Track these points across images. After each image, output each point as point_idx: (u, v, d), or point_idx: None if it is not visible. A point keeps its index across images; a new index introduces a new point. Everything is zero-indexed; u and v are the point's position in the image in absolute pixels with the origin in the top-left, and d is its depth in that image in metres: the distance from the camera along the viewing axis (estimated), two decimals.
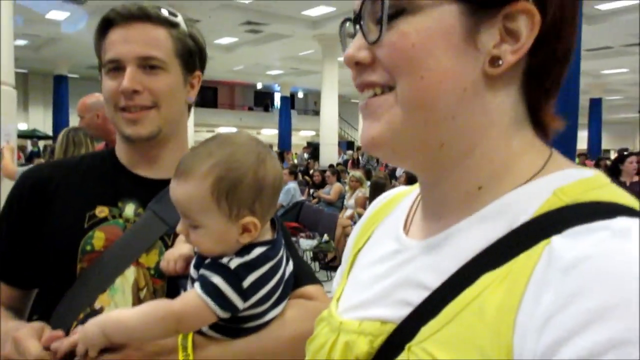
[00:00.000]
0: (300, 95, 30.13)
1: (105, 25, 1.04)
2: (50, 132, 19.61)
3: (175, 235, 0.99)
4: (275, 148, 21.44)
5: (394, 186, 8.16)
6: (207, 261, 0.84)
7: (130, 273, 0.98)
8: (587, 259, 0.40)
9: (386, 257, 0.60)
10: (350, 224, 7.21)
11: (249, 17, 12.82)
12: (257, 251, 0.84)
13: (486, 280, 0.46)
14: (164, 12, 1.04)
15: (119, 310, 0.85)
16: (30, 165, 3.14)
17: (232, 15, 12.37)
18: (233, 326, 0.86)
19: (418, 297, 0.51)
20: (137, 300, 0.96)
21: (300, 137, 27.27)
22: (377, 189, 6.53)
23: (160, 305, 0.82)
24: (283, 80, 22.80)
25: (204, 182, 0.81)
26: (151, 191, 1.04)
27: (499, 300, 0.44)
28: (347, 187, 8.32)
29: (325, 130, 14.97)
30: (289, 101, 23.84)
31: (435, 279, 0.50)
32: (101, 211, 1.01)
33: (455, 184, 0.54)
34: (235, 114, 26.54)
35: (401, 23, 0.51)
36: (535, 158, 0.53)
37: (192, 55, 1.07)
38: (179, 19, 1.06)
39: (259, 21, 13.18)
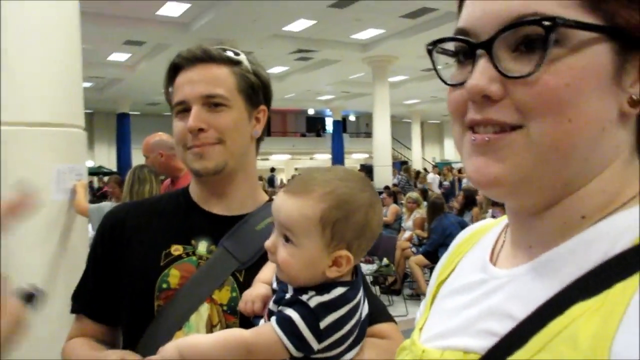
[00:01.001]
0: (352, 118, 30.26)
1: (174, 70, 1.09)
2: (114, 168, 20.54)
3: (247, 272, 1.01)
4: None
5: (450, 207, 7.99)
6: (287, 296, 0.84)
7: (204, 310, 1.00)
8: None
9: (471, 287, 0.59)
10: (409, 246, 7.11)
11: (299, 45, 13.08)
12: (338, 291, 0.83)
13: (578, 309, 0.44)
14: (227, 52, 1.08)
15: (196, 335, 0.88)
16: (106, 203, 3.31)
17: (282, 44, 12.66)
18: None
19: (504, 327, 0.49)
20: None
21: (353, 160, 27.28)
22: (435, 209, 6.43)
23: (234, 334, 0.84)
24: (334, 104, 23.00)
25: (318, 204, 0.82)
26: (222, 228, 1.06)
27: (593, 330, 0.42)
28: (404, 209, 8.23)
29: (379, 151, 14.92)
30: (341, 125, 24.00)
31: (522, 309, 0.49)
32: (176, 249, 1.04)
33: (560, 215, 0.52)
34: (287, 141, 26.93)
35: (555, 59, 0.47)
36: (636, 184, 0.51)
37: (256, 90, 1.10)
38: (242, 57, 1.09)
39: (309, 48, 13.43)
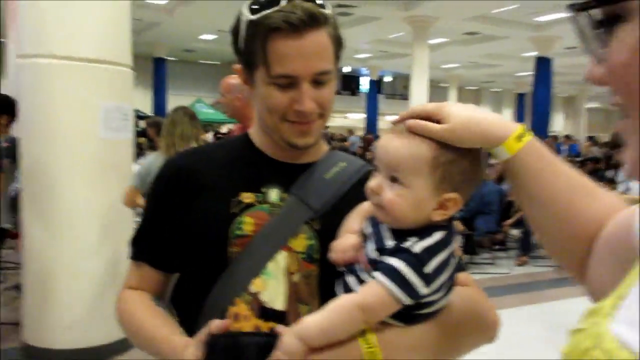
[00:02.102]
0: (388, 79, 29.77)
1: (267, 31, 0.94)
2: (150, 113, 20.75)
3: (321, 220, 1.00)
4: (361, 132, 21.40)
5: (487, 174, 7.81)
6: (388, 244, 0.84)
7: (282, 258, 0.98)
8: None
9: None
10: None
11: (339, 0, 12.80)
12: (438, 235, 0.82)
13: None
14: (325, 9, 0.97)
15: (307, 317, 0.83)
16: (153, 158, 3.32)
17: None
18: (412, 312, 0.85)
19: None
20: (290, 285, 0.97)
21: (387, 121, 27.01)
22: None
23: (344, 301, 0.82)
24: (371, 63, 22.61)
25: (430, 145, 0.80)
26: (291, 175, 1.04)
27: None
28: None
29: None
30: (377, 85, 23.64)
31: None
32: (247, 197, 1.02)
33: None
34: None
35: (619, 34, 0.44)
36: None
37: (339, 52, 1.02)
38: (329, 10, 0.99)
39: (349, 4, 13.11)
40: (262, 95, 1.00)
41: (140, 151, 8.10)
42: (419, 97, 14.59)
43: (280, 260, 0.99)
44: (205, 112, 18.54)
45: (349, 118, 26.42)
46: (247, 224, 1.00)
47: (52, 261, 3.34)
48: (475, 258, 6.81)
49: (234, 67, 1.07)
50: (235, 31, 1.01)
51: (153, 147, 11.17)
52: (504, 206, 6.72)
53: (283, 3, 0.93)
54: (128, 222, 3.52)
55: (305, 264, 0.99)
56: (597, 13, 0.45)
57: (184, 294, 1.07)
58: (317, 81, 0.97)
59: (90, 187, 3.34)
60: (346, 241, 0.90)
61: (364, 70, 24.98)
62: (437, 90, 24.49)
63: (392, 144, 0.82)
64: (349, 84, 29.18)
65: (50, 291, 3.34)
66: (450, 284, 0.87)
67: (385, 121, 23.80)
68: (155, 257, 1.09)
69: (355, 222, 0.92)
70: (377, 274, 0.81)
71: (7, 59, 8.16)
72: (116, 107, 3.39)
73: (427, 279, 0.80)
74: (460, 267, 0.95)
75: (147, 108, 21.50)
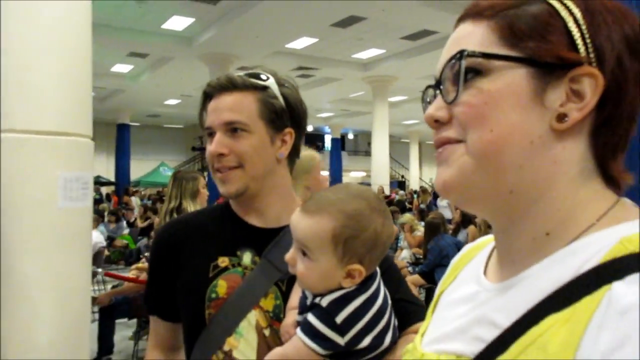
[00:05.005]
0: (351, 136, 30.39)
1: (205, 98, 1.18)
2: (112, 178, 20.52)
3: (289, 281, 1.08)
4: None
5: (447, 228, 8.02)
6: (307, 303, 0.92)
7: (252, 316, 1.08)
8: None
9: (467, 298, 0.66)
10: (406, 266, 7.13)
11: (300, 63, 13.23)
12: (347, 288, 0.90)
13: (551, 320, 0.50)
14: (252, 79, 1.14)
15: None
16: None
17: (284, 61, 12.80)
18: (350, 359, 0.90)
19: (490, 334, 0.56)
20: (262, 338, 1.07)
21: (351, 177, 27.34)
22: (432, 229, 6.47)
23: (274, 353, 0.94)
24: (333, 122, 23.15)
25: (328, 224, 0.89)
26: (264, 240, 1.14)
27: (561, 338, 0.48)
28: (401, 230, 8.25)
29: (377, 170, 15.01)
30: (340, 142, 24.09)
31: (506, 319, 0.55)
32: (222, 261, 1.13)
33: (524, 231, 0.59)
34: None
35: (476, 83, 0.57)
36: (601, 206, 0.56)
37: (279, 114, 1.15)
38: (269, 82, 1.15)
39: (310, 66, 13.58)
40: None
41: (100, 218, 8.01)
42: (381, 152, 14.94)
43: (251, 319, 1.08)
44: (168, 175, 18.47)
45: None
46: (221, 287, 1.11)
47: (6, 332, 3.22)
48: None
49: None
50: None
51: (114, 213, 10.97)
52: None
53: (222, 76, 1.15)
54: (84, 291, 3.46)
55: (273, 322, 1.08)
56: (462, 64, 0.57)
57: (187, 343, 1.19)
58: (232, 131, 1.12)
59: (47, 257, 3.29)
60: (288, 320, 1.00)
61: (327, 129, 25.50)
62: (398, 145, 25.13)
63: (300, 223, 0.91)
64: (313, 142, 29.61)
65: None
66: (387, 325, 0.93)
67: (349, 177, 24.08)
68: (161, 310, 1.25)
69: (295, 297, 1.02)
70: (297, 329, 0.90)
71: None
72: (75, 176, 3.40)
73: (340, 329, 0.87)
74: (420, 317, 1.01)
75: (110, 173, 21.28)
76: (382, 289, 0.96)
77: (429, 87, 0.66)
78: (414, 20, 10.16)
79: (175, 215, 3.46)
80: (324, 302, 0.88)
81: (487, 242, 0.75)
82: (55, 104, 3.28)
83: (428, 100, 0.66)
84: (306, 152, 3.31)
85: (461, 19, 0.62)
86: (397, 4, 9.03)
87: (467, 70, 0.58)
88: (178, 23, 10.57)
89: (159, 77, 14.54)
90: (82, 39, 3.39)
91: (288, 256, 0.94)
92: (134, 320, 5.19)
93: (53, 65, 3.24)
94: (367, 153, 24.21)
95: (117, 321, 5.23)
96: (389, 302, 0.97)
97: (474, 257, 0.73)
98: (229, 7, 9.65)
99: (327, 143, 27.45)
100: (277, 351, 0.93)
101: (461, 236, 7.13)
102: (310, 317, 0.88)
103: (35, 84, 3.22)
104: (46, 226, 3.27)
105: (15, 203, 3.22)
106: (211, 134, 1.14)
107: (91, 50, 3.49)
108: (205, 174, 3.99)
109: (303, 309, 0.93)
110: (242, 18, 9.76)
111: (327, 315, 0.87)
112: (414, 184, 24.44)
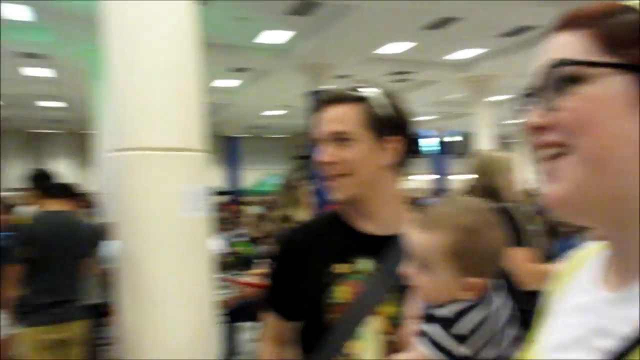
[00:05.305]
0: (454, 138, 29.60)
1: (313, 110, 1.30)
2: (225, 189, 21.58)
3: (405, 289, 1.09)
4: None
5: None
6: (428, 313, 0.95)
7: (373, 322, 1.15)
8: None
9: (583, 307, 0.65)
10: None
11: (395, 68, 13.15)
12: (468, 301, 0.93)
13: None
14: (356, 91, 1.25)
15: None
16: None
17: (378, 67, 12.79)
18: None
19: (612, 345, 0.56)
20: (382, 344, 1.13)
21: (451, 181, 26.59)
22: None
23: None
24: (432, 124, 22.71)
25: (445, 238, 0.93)
26: (377, 247, 1.20)
27: None
28: None
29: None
30: (441, 145, 23.54)
31: (628, 329, 0.55)
32: (340, 268, 1.21)
33: (638, 237, 0.58)
34: None
35: (579, 90, 0.58)
36: None
37: (383, 123, 1.23)
38: (372, 93, 1.24)
39: (406, 70, 13.46)
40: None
41: (222, 226, 8.48)
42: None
43: (374, 324, 1.14)
44: (274, 184, 19.10)
45: (414, 179, 26.10)
46: (344, 292, 1.18)
47: (143, 336, 3.55)
48: None
49: None
50: None
51: (232, 221, 11.48)
52: None
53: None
54: (209, 295, 3.73)
55: (393, 328, 1.14)
56: (563, 72, 0.59)
57: (304, 343, 1.27)
58: (339, 141, 1.20)
59: (173, 264, 3.59)
60: (407, 328, 1.03)
61: (428, 132, 25.06)
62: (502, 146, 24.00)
63: (417, 239, 0.96)
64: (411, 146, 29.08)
65: None
66: (512, 342, 0.94)
67: (450, 180, 23.50)
68: (284, 310, 1.34)
69: (412, 306, 1.04)
70: (417, 339, 0.94)
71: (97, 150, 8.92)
72: (195, 188, 3.68)
73: (462, 339, 0.90)
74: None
75: (222, 184, 22.35)
76: (506, 300, 0.98)
77: (523, 96, 0.67)
78: (510, 17, 9.78)
79: (286, 223, 3.62)
80: (444, 313, 0.92)
81: (598, 248, 0.72)
82: (174, 122, 3.58)
83: (520, 108, 0.66)
84: (501, 154, 3.29)
85: (556, 29, 0.63)
86: (491, 3, 8.75)
87: (570, 78, 0.59)
88: (277, 37, 10.95)
89: (260, 90, 15.14)
90: (192, 60, 3.65)
91: (405, 269, 0.98)
92: (250, 324, 5.34)
93: (169, 87, 3.53)
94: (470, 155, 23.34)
95: (238, 324, 5.45)
96: (514, 313, 0.98)
97: (584, 264, 0.72)
98: (324, 17, 9.87)
99: (427, 146, 26.97)
100: (399, 357, 0.95)
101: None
102: (428, 327, 0.92)
103: (154, 104, 3.54)
104: (171, 235, 3.58)
105: (142, 215, 3.56)
106: (320, 144, 1.24)
107: (202, 69, 3.72)
108: (311, 181, 4.16)
109: (422, 318, 0.96)
110: (335, 27, 9.94)
111: (447, 324, 0.91)
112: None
